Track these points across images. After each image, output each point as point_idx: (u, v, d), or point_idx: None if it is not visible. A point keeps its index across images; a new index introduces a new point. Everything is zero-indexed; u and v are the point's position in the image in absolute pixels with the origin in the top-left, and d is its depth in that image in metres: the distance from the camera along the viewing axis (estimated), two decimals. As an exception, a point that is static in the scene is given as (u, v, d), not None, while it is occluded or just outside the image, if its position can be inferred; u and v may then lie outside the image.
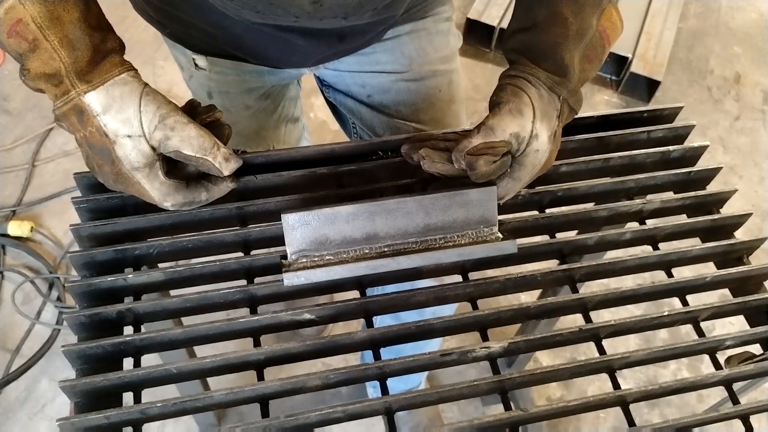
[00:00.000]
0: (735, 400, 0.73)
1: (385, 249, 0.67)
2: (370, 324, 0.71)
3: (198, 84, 0.96)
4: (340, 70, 0.98)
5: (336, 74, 0.99)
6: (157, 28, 0.90)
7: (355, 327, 1.54)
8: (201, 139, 0.62)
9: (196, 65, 0.93)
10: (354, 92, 0.99)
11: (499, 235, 0.69)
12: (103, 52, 0.61)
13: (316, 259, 0.66)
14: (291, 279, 0.65)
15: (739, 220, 0.82)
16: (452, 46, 1.00)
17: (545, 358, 1.68)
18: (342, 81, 1.00)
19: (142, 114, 0.61)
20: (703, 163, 0.85)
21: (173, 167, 0.65)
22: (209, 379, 1.18)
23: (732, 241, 0.80)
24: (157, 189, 0.64)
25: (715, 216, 0.81)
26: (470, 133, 0.65)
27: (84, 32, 0.59)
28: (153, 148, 0.62)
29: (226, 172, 0.65)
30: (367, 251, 0.67)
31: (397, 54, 0.94)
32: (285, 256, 0.66)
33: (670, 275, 0.79)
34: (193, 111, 0.67)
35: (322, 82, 1.05)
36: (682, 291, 0.78)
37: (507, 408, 0.68)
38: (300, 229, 0.65)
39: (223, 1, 0.67)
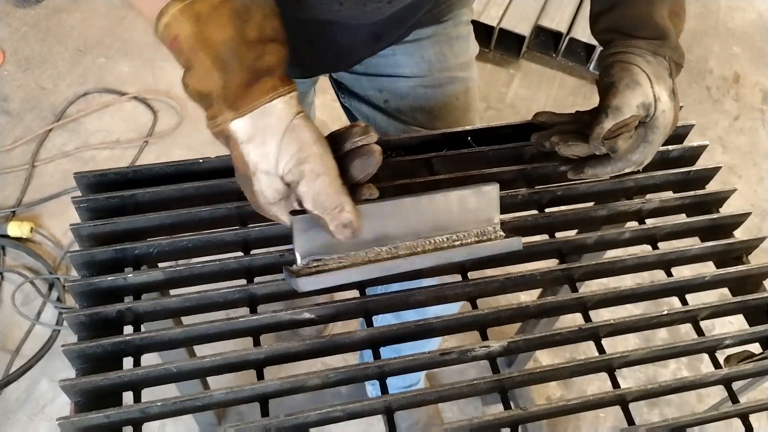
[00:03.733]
0: (734, 399, 0.73)
1: (396, 250, 0.66)
2: (369, 323, 0.72)
3: None
4: (358, 73, 0.97)
5: (354, 78, 0.99)
6: None
7: (354, 326, 1.54)
8: (323, 197, 0.58)
9: None
10: (371, 96, 0.99)
11: (502, 233, 0.69)
12: (257, 72, 0.57)
13: (328, 262, 0.63)
14: (305, 284, 0.61)
15: (738, 220, 0.82)
16: (471, 52, 1.00)
17: (545, 358, 1.68)
18: (359, 85, 0.99)
19: (282, 151, 0.57)
20: (703, 163, 0.85)
21: None
22: (209, 379, 1.18)
23: (731, 240, 0.80)
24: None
25: (715, 215, 0.81)
26: (598, 118, 0.69)
27: (237, 52, 0.56)
28: (287, 185, 0.59)
29: (338, 237, 0.60)
30: (377, 252, 0.65)
31: (417, 58, 0.94)
32: (290, 262, 0.63)
33: (669, 274, 0.79)
34: (346, 132, 0.63)
35: (339, 86, 1.05)
36: (681, 290, 0.78)
37: (506, 407, 0.68)
38: (310, 231, 0.62)
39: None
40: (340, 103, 1.08)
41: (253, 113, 0.57)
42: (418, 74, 0.95)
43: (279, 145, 0.57)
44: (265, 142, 0.57)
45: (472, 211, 0.68)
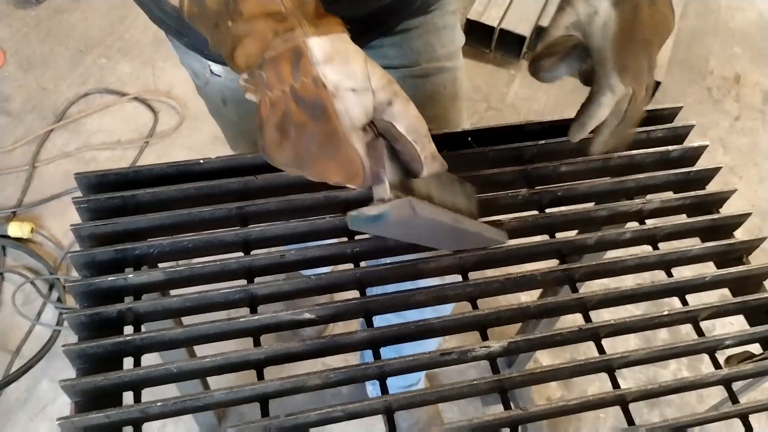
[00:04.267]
0: (734, 400, 0.73)
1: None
2: (369, 323, 0.72)
3: (213, 91, 0.95)
4: None
5: None
6: (174, 37, 0.88)
7: (355, 327, 1.54)
8: (418, 121, 0.56)
9: (211, 71, 0.92)
10: None
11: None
12: (323, 12, 0.54)
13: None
14: (422, 208, 0.55)
15: (738, 220, 0.82)
16: (458, 42, 1.00)
17: (545, 358, 1.68)
18: None
19: (370, 71, 0.54)
20: (703, 163, 0.85)
21: None
22: (209, 379, 1.18)
23: (731, 240, 0.80)
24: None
25: (715, 216, 0.81)
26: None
27: None
28: (374, 108, 0.55)
29: (425, 172, 0.58)
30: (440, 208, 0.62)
31: (405, 48, 0.93)
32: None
33: (669, 275, 0.79)
34: None
35: None
36: (681, 290, 0.78)
37: (507, 407, 0.68)
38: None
39: None
40: None
41: (332, 35, 0.53)
42: (406, 65, 0.95)
43: (364, 65, 0.54)
44: (348, 62, 0.53)
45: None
